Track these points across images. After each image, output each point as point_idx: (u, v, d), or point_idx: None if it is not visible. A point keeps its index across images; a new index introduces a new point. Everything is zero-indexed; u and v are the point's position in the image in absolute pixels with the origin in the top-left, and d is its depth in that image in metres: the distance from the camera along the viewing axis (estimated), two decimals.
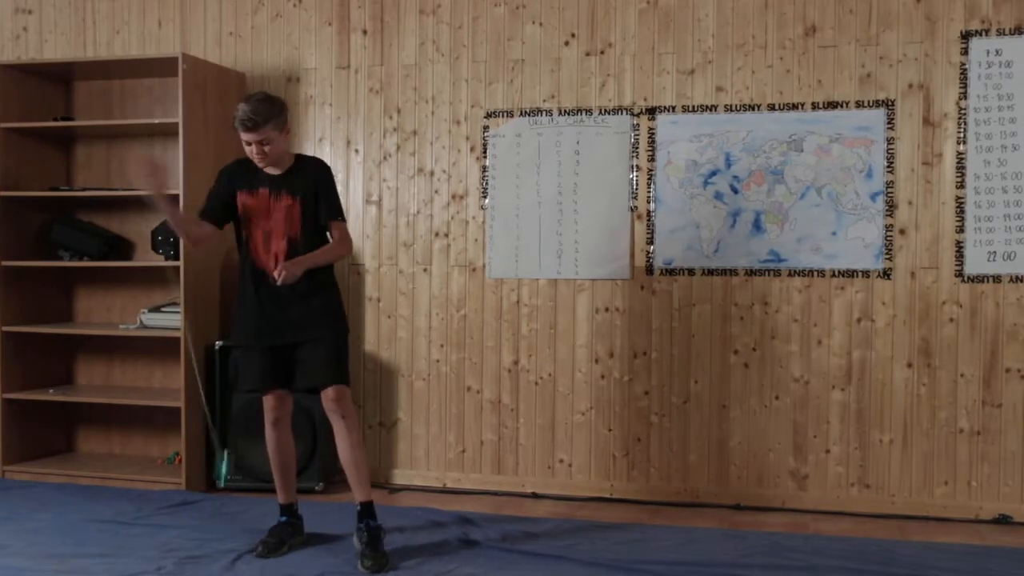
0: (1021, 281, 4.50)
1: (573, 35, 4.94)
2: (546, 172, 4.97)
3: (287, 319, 3.87)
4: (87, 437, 5.63)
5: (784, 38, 4.71)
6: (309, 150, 5.20)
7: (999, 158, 4.51)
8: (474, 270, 5.07)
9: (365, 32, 5.20)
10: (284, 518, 4.05)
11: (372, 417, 5.19)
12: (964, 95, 4.54)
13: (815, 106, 4.68)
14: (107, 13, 5.55)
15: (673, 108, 4.82)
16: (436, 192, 5.12)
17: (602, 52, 4.91)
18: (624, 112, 4.88)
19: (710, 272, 4.81)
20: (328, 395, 3.88)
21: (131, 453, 5.53)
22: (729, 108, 4.76)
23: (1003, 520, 4.50)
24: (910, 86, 4.59)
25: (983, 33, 4.51)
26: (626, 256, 4.88)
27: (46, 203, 5.39)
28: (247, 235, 3.92)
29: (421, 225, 5.14)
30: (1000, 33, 4.50)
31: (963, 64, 4.53)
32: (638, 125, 4.86)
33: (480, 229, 5.06)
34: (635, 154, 4.86)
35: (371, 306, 5.20)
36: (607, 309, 4.92)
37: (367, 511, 3.90)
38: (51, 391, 5.33)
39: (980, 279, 4.54)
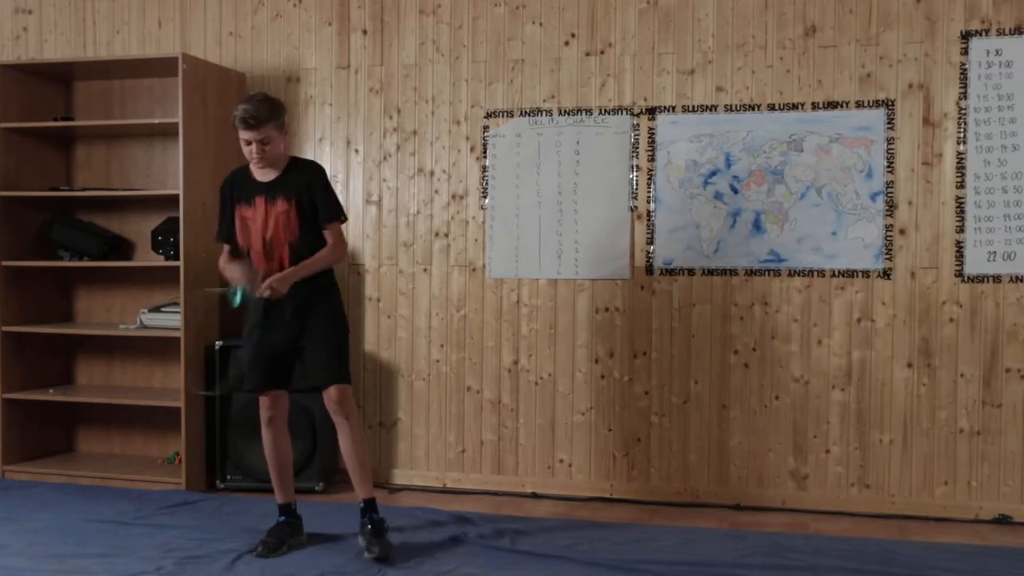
0: (1021, 281, 4.50)
1: (573, 35, 4.94)
2: (546, 172, 4.97)
3: (288, 322, 3.88)
4: (87, 437, 5.63)
5: (784, 38, 4.71)
6: (309, 150, 5.20)
7: (999, 158, 4.51)
8: (474, 270, 5.07)
9: (365, 32, 5.20)
10: (283, 518, 4.05)
11: (372, 417, 5.19)
12: (964, 95, 4.54)
13: (815, 106, 4.68)
14: (107, 13, 5.55)
15: (673, 108, 4.82)
16: (436, 192, 5.12)
17: (602, 52, 4.91)
18: (624, 112, 4.88)
19: (710, 272, 4.81)
20: (330, 395, 3.90)
21: (131, 453, 5.53)
22: (729, 108, 4.76)
23: (1003, 520, 4.50)
24: (910, 86, 4.59)
25: (983, 33, 4.51)
26: (626, 256, 4.88)
27: (46, 203, 5.39)
28: (247, 246, 3.92)
29: (421, 225, 5.14)
30: (1000, 33, 4.50)
31: (963, 64, 4.53)
32: (638, 125, 4.86)
33: (480, 229, 5.06)
34: (635, 154, 4.86)
35: (371, 306, 5.20)
36: (607, 309, 4.92)
37: (370, 506, 3.95)
38: (51, 391, 5.33)
39: (980, 279, 4.54)
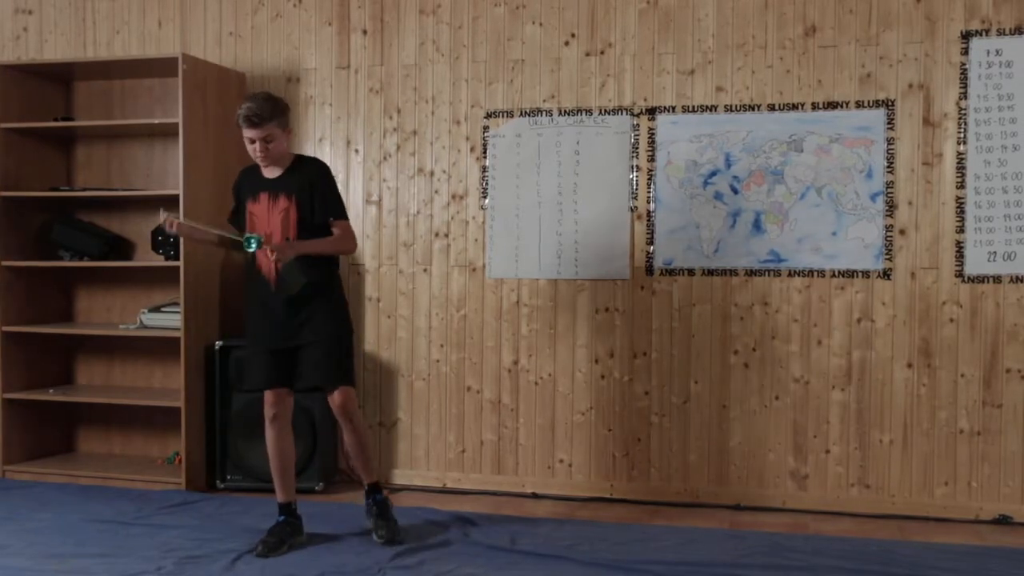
0: (1021, 281, 4.50)
1: (573, 35, 4.94)
2: (546, 172, 4.97)
3: (292, 322, 3.92)
4: (87, 437, 5.63)
5: (784, 38, 4.71)
6: (309, 150, 5.20)
7: (999, 158, 4.51)
8: (474, 270, 5.07)
9: (365, 32, 5.20)
10: (283, 517, 4.05)
11: (372, 417, 5.19)
12: (964, 95, 4.53)
13: (815, 106, 4.68)
14: (107, 13, 5.55)
15: (673, 108, 4.82)
16: (436, 192, 5.12)
17: (602, 52, 4.91)
18: (624, 112, 4.88)
19: (710, 272, 4.81)
20: (333, 397, 4.00)
21: (131, 453, 5.53)
22: (729, 108, 4.76)
23: (1003, 520, 4.50)
24: (910, 86, 4.59)
25: (983, 33, 4.51)
26: (626, 256, 4.88)
27: (46, 203, 5.39)
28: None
29: (421, 225, 5.14)
30: (1000, 33, 4.49)
31: (963, 64, 4.53)
32: (638, 125, 4.86)
33: (480, 229, 5.06)
34: (635, 154, 4.86)
35: (371, 306, 5.20)
36: (607, 309, 4.92)
37: (374, 488, 4.15)
38: (51, 391, 5.33)
39: (980, 279, 4.54)
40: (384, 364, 5.19)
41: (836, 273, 4.68)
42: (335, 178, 4.12)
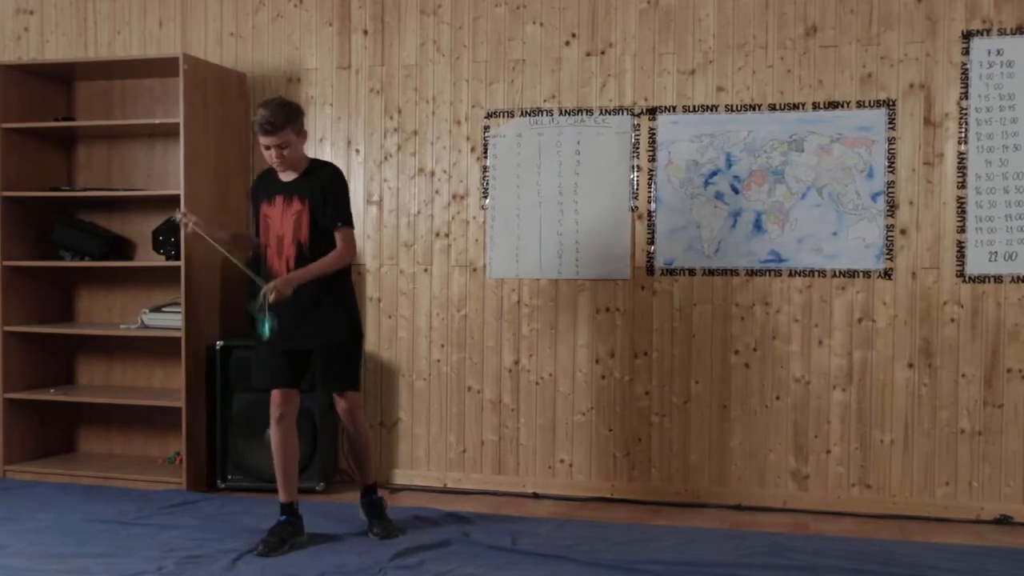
0: (1022, 281, 4.50)
1: (574, 35, 4.94)
2: (547, 172, 4.97)
3: (301, 325, 3.95)
4: (88, 437, 5.63)
5: (785, 38, 4.71)
6: (310, 151, 5.17)
7: (1000, 158, 4.51)
8: (475, 270, 5.07)
9: (366, 32, 5.20)
10: (284, 517, 4.05)
11: (373, 417, 5.19)
12: (965, 95, 4.53)
13: (816, 106, 4.68)
14: (108, 13, 5.55)
15: (674, 108, 4.82)
16: (437, 192, 5.12)
17: (603, 52, 4.91)
18: (625, 112, 4.88)
19: (711, 272, 4.81)
20: (339, 402, 4.10)
21: (132, 453, 5.53)
22: (730, 108, 4.76)
23: (1004, 520, 4.49)
24: (911, 86, 4.59)
25: (984, 33, 4.51)
26: (627, 256, 4.88)
27: (47, 203, 5.39)
28: (264, 242, 4.05)
29: (422, 225, 5.14)
30: (1001, 33, 4.49)
31: (964, 64, 4.53)
32: (639, 125, 4.86)
33: (481, 229, 5.06)
34: (636, 154, 4.86)
35: (372, 306, 5.20)
36: (608, 309, 4.92)
37: (370, 490, 4.25)
38: (52, 391, 5.33)
39: (981, 279, 4.54)
40: (385, 364, 5.19)
41: (837, 273, 4.67)
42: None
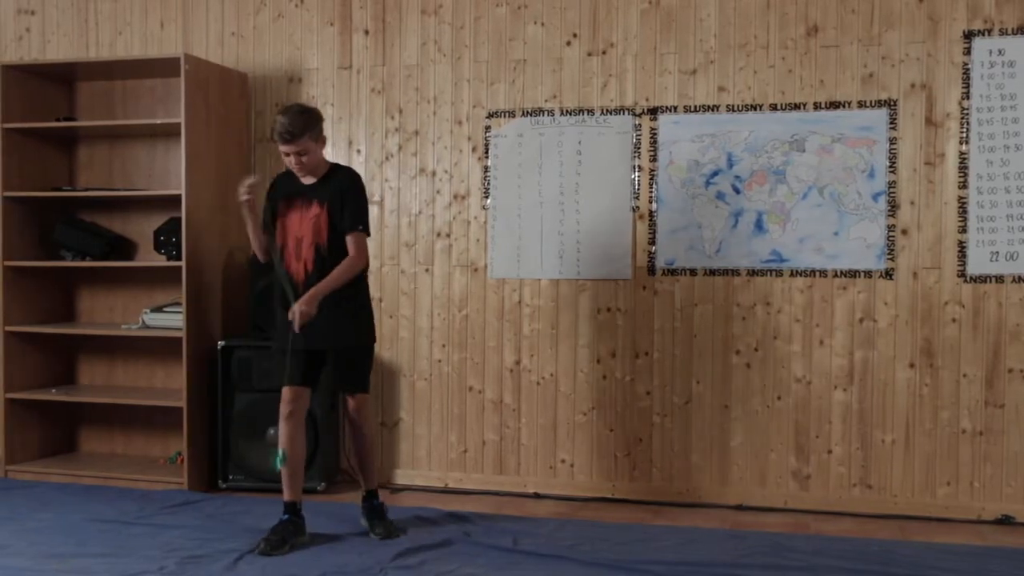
0: (1023, 281, 4.49)
1: (575, 35, 4.94)
2: (548, 172, 4.97)
3: (318, 326, 3.97)
4: (89, 437, 5.63)
5: (786, 38, 4.71)
6: None
7: (1002, 158, 4.50)
8: (476, 270, 5.07)
9: (367, 32, 5.20)
10: (287, 516, 4.06)
11: (374, 417, 5.18)
12: (967, 95, 4.53)
13: (817, 106, 4.68)
14: (109, 14, 5.55)
15: (675, 108, 4.82)
16: (438, 192, 5.12)
17: (604, 52, 4.91)
18: (626, 112, 4.88)
19: (712, 272, 4.80)
20: (350, 403, 4.15)
21: (133, 453, 5.53)
22: (731, 108, 4.76)
23: (1006, 520, 4.49)
24: (912, 86, 4.59)
25: (986, 33, 4.51)
26: (628, 256, 4.88)
27: (48, 203, 5.39)
28: (282, 243, 4.07)
29: (423, 225, 5.14)
30: (1003, 33, 4.49)
31: (966, 64, 4.53)
32: (640, 125, 4.86)
33: (482, 229, 5.06)
34: (637, 154, 4.86)
35: (373, 306, 5.18)
36: (609, 309, 4.92)
37: (372, 494, 4.26)
38: (53, 391, 5.33)
39: (983, 279, 4.53)
40: (386, 364, 5.19)
41: (838, 273, 4.67)
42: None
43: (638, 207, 4.86)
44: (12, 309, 5.24)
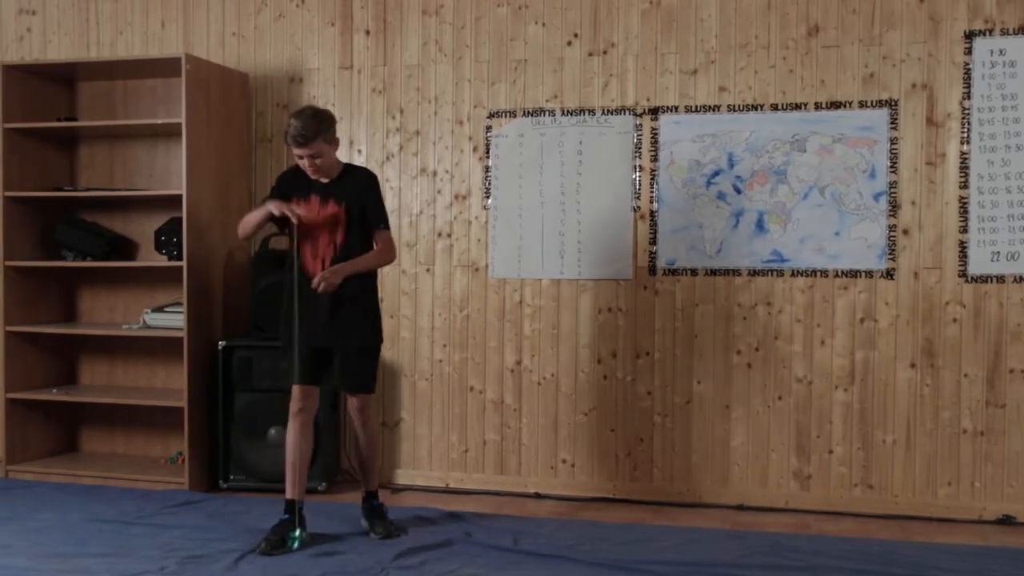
0: None
1: (576, 35, 4.94)
2: (549, 172, 4.97)
3: (327, 324, 4.01)
4: (90, 437, 5.63)
5: (787, 38, 4.71)
6: None
7: (1003, 158, 4.50)
8: (477, 270, 5.07)
9: (368, 32, 5.20)
10: (287, 515, 4.05)
11: (375, 417, 5.18)
12: (968, 95, 4.53)
13: (818, 106, 4.67)
14: (110, 14, 5.56)
15: (676, 108, 4.82)
16: (439, 192, 5.12)
17: (605, 52, 4.91)
18: (627, 112, 4.88)
19: (713, 272, 4.80)
20: (353, 403, 4.17)
21: (134, 453, 5.53)
22: (732, 108, 4.76)
23: (1007, 521, 4.49)
24: (913, 86, 4.59)
25: (987, 33, 4.50)
26: (629, 256, 4.88)
27: (49, 203, 5.39)
28: (298, 241, 4.07)
29: (424, 225, 5.14)
30: (1004, 33, 4.49)
31: (967, 64, 4.53)
32: (641, 125, 4.86)
33: (483, 229, 5.06)
34: (638, 154, 4.86)
35: None
36: (610, 309, 4.92)
37: (372, 495, 4.27)
38: (54, 391, 5.33)
39: (984, 279, 4.53)
40: (387, 364, 5.19)
41: (839, 273, 4.67)
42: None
43: (639, 207, 4.86)
44: (13, 309, 5.24)
